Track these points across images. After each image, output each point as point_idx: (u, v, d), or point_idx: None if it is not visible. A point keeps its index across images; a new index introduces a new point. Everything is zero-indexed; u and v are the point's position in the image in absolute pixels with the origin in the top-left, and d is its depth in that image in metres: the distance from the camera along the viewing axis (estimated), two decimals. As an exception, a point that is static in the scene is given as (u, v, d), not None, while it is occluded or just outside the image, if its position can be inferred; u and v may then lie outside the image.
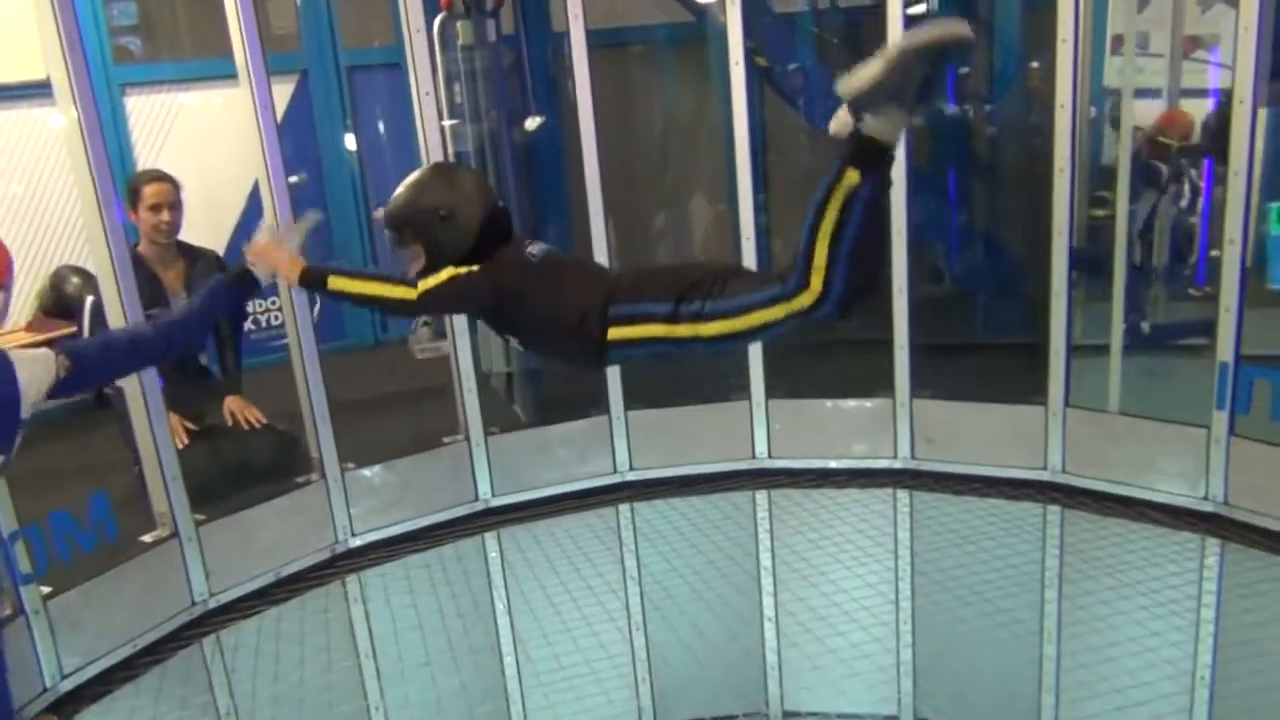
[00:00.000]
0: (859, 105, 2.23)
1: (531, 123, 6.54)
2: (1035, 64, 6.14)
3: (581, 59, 4.65)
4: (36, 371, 2.66)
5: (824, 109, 6.83)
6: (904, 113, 2.22)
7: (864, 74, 2.19)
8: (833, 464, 4.97)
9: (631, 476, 4.98)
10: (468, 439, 4.82)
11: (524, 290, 2.74)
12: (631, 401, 4.97)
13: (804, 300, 2.38)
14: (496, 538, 4.68)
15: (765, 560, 4.36)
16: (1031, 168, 6.11)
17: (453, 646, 3.80)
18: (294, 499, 4.43)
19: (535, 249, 2.82)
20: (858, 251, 2.34)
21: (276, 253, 2.90)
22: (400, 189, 2.89)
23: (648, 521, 4.71)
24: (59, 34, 3.59)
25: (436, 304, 2.82)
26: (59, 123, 3.80)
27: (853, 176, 2.27)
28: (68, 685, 3.64)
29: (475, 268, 2.75)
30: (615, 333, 2.64)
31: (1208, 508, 4.23)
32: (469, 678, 3.70)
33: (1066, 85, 4.29)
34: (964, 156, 6.59)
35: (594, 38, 4.67)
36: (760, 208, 4.93)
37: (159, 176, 4.54)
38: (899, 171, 4.65)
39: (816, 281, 2.35)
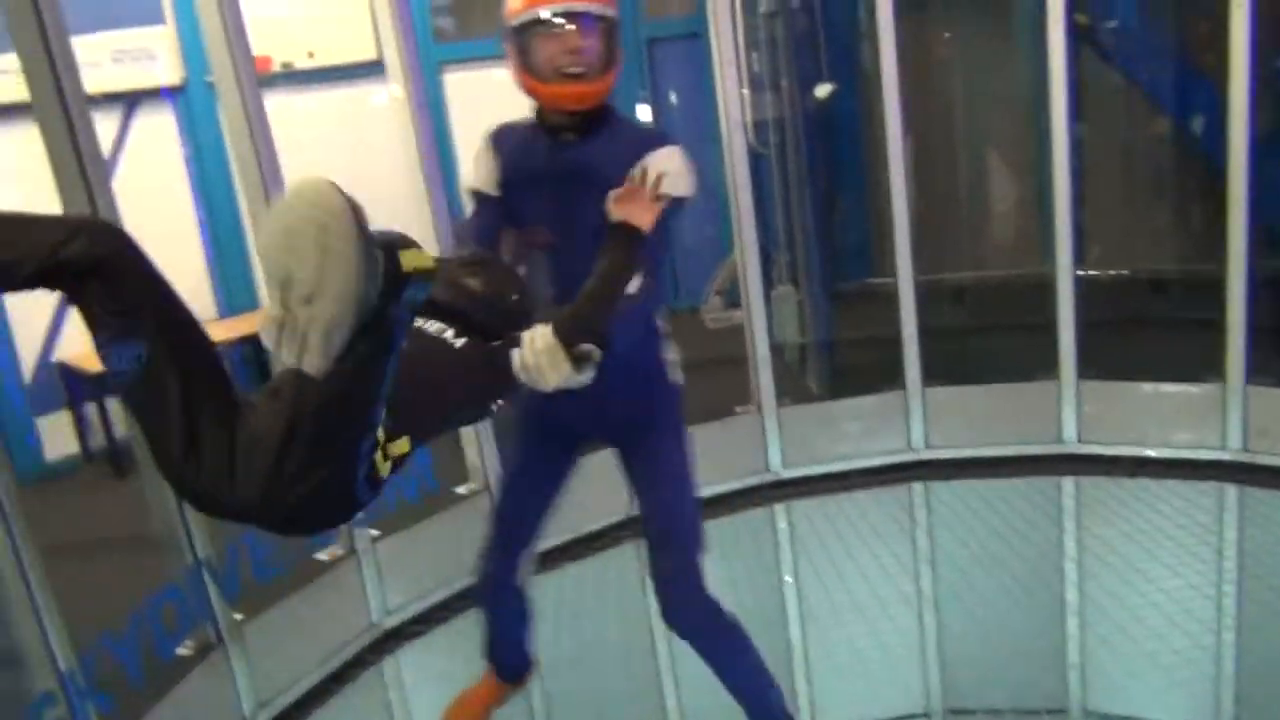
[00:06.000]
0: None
1: (822, 90, 6.42)
2: None
3: (887, 20, 4.49)
4: None
5: (1148, 68, 6.36)
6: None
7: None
8: (1150, 453, 4.62)
9: (927, 455, 4.83)
10: (759, 409, 4.83)
11: None
12: (929, 377, 4.82)
13: None
14: (786, 510, 4.68)
15: (1070, 549, 4.12)
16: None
17: (741, 610, 3.82)
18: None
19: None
20: None
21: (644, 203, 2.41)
22: None
23: (943, 502, 4.57)
24: (393, 16, 3.88)
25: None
26: (380, 100, 4.06)
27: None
28: (391, 621, 3.95)
29: None
30: None
31: None
32: (758, 643, 3.71)
33: None
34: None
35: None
36: (1077, 175, 4.63)
37: None
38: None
39: None
